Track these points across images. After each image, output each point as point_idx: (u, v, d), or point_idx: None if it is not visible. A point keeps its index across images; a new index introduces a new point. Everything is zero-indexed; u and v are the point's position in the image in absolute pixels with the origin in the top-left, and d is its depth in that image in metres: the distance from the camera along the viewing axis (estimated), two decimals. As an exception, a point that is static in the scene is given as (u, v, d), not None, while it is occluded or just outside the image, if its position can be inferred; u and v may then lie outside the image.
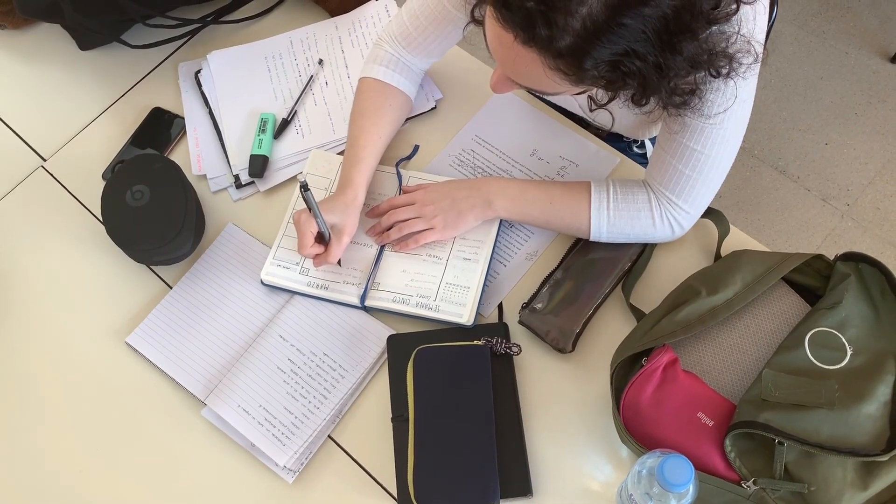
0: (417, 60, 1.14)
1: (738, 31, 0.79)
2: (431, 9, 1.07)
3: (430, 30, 1.08)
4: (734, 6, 0.75)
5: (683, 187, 0.99)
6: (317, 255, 1.04)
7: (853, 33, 2.32)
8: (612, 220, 1.02)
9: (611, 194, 1.03)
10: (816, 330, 0.91)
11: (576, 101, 1.13)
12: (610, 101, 0.88)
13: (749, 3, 0.79)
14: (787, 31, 2.34)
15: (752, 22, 0.85)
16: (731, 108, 0.89)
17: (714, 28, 0.76)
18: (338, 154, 1.18)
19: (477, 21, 0.86)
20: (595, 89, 1.02)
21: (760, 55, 0.84)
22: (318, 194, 1.13)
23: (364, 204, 1.12)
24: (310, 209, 0.99)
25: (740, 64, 0.81)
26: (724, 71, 0.80)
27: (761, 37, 0.88)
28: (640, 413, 0.92)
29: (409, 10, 1.10)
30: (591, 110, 1.00)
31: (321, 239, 1.04)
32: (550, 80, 0.77)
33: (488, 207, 1.06)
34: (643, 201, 1.02)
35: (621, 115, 1.10)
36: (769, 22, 1.18)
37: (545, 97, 1.21)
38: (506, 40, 0.75)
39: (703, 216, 1.05)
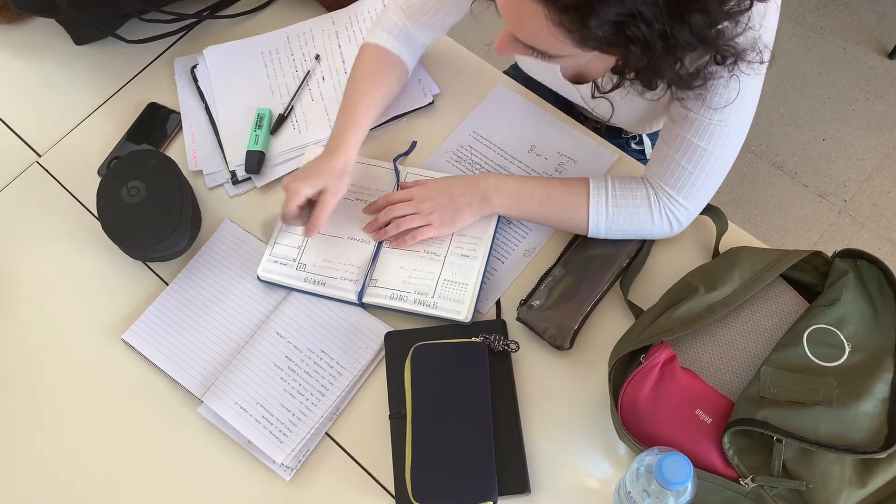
0: (420, 33, 1.14)
1: (747, 25, 0.79)
2: None
3: (435, 0, 1.09)
4: (748, 2, 0.76)
5: (684, 183, 0.98)
6: (303, 224, 1.04)
7: (851, 29, 2.32)
8: (611, 216, 1.02)
9: (609, 190, 1.02)
10: (815, 327, 0.91)
11: (577, 91, 1.12)
12: (614, 88, 0.88)
13: (763, 1, 0.79)
14: (785, 27, 2.34)
15: (762, 19, 0.85)
16: (734, 104, 0.89)
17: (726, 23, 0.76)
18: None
19: None
20: (601, 78, 1.02)
21: (766, 56, 0.84)
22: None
23: (361, 200, 1.12)
24: None
25: (744, 60, 0.81)
26: (730, 60, 0.80)
27: (769, 39, 0.88)
28: (638, 410, 0.91)
29: None
30: (594, 97, 0.99)
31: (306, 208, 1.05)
32: (554, 38, 0.77)
33: (486, 204, 1.05)
34: (642, 197, 1.02)
35: (623, 107, 1.10)
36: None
37: (546, 82, 1.19)
38: None
39: (701, 213, 1.04)
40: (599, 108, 1.12)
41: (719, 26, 0.76)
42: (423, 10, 1.11)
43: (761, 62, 0.83)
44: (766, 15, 0.86)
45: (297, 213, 1.04)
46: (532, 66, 1.19)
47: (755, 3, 0.77)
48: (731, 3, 0.75)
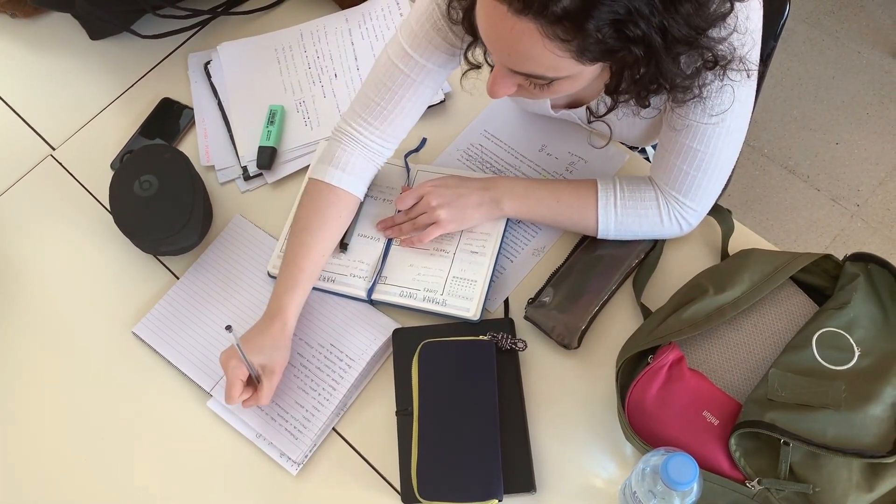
0: (383, 139, 1.05)
1: (734, 28, 0.79)
2: (388, 70, 1.00)
3: (396, 92, 1.00)
4: (728, 5, 0.75)
5: (689, 186, 0.98)
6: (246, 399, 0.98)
7: (866, 33, 2.31)
8: (620, 217, 1.02)
9: (618, 192, 1.02)
10: (824, 330, 0.91)
11: (574, 115, 1.11)
12: (609, 111, 0.88)
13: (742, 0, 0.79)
14: (800, 30, 2.33)
15: (746, 21, 0.84)
16: (729, 108, 0.89)
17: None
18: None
19: (468, 32, 0.86)
20: (594, 102, 1.01)
21: (755, 57, 0.84)
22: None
23: (371, 196, 1.12)
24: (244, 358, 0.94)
25: (732, 69, 0.81)
26: (722, 63, 0.80)
27: (756, 44, 0.87)
28: (645, 411, 0.91)
29: (369, 81, 1.02)
30: (590, 122, 0.98)
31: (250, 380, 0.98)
32: (551, 55, 0.74)
33: (496, 207, 1.05)
34: (651, 199, 1.01)
35: (619, 127, 1.08)
36: (781, 20, 1.18)
37: (542, 112, 1.17)
38: (500, 12, 0.72)
39: (708, 214, 1.04)
40: (597, 129, 1.11)
41: (710, 13, 0.76)
42: (380, 107, 1.01)
43: (748, 70, 0.83)
44: (748, 17, 0.85)
45: (242, 392, 0.96)
46: (525, 101, 1.15)
47: (735, 4, 0.77)
48: (715, 3, 0.75)
